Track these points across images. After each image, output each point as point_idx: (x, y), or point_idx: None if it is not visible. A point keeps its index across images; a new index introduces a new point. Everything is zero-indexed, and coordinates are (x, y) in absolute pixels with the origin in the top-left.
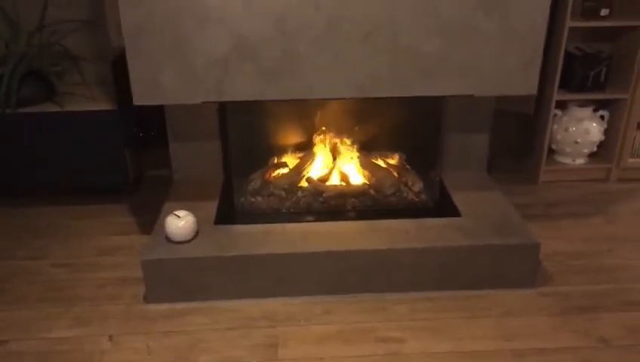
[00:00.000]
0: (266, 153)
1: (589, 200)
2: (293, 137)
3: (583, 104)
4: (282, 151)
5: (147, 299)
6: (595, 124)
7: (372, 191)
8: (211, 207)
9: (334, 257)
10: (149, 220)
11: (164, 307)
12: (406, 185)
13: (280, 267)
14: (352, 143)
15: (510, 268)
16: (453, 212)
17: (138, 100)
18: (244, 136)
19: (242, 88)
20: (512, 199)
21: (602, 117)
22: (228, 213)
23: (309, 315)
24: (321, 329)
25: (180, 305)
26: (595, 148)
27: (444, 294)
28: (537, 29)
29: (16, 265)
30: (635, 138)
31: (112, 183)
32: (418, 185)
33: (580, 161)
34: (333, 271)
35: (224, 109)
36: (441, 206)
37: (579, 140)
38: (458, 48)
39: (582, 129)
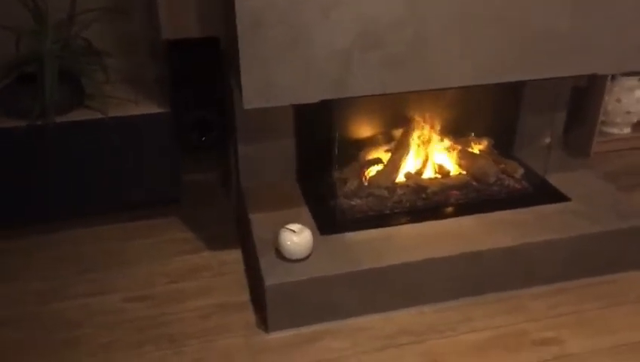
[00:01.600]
0: (346, 149)
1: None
2: (375, 129)
3: (626, 73)
4: (366, 145)
5: (268, 328)
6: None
7: (474, 182)
8: (303, 214)
9: (465, 259)
10: (213, 234)
11: (289, 334)
12: (504, 171)
13: (411, 275)
14: (442, 131)
15: (635, 249)
16: (561, 196)
17: (249, 103)
18: (322, 132)
19: (364, 82)
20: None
21: None
22: (328, 221)
23: (451, 324)
24: (472, 338)
25: (305, 330)
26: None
27: (575, 283)
28: None
29: (80, 304)
30: None
31: (164, 195)
32: (520, 172)
33: (626, 131)
34: (461, 273)
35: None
36: (543, 191)
37: (631, 110)
38: (587, 26)
39: (633, 99)
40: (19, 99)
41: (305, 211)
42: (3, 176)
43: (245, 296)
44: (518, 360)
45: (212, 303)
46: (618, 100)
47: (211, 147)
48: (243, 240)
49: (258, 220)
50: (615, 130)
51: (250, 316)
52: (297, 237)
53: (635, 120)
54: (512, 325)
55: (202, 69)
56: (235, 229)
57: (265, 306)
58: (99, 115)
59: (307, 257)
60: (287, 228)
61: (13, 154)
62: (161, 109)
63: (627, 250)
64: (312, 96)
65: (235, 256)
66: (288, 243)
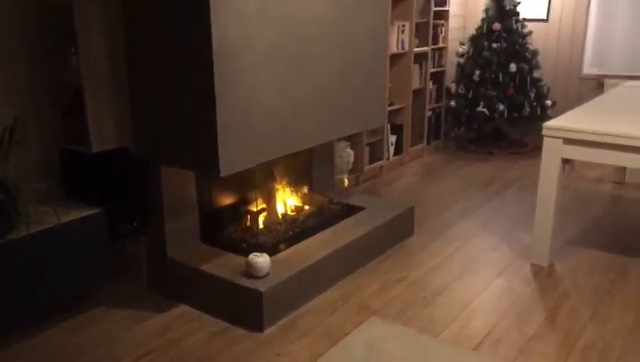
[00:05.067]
0: (234, 208)
1: (365, 192)
2: (239, 194)
3: (339, 139)
4: (246, 202)
5: (263, 327)
6: (349, 150)
7: (317, 211)
8: (229, 256)
9: (342, 250)
10: (150, 304)
11: (277, 326)
12: (328, 201)
13: (323, 266)
14: (285, 184)
15: (405, 222)
16: (360, 208)
17: (224, 172)
18: (218, 201)
19: (274, 150)
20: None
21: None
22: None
23: (356, 286)
24: (372, 288)
25: (284, 320)
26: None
27: (391, 250)
28: (384, 87)
29: None
30: (368, 154)
31: (101, 283)
32: (336, 200)
33: (345, 175)
34: (344, 258)
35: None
36: (350, 208)
37: (348, 161)
38: (357, 103)
39: (348, 155)
40: None
41: (230, 254)
42: None
43: (223, 324)
44: (400, 288)
45: (204, 335)
46: (341, 156)
47: (139, 233)
48: (183, 296)
49: (210, 269)
50: (340, 175)
51: (239, 330)
52: (262, 259)
53: (350, 167)
54: (381, 277)
55: (114, 173)
56: (161, 297)
57: (260, 311)
58: (51, 224)
59: (268, 273)
60: (254, 255)
61: None
62: (93, 210)
63: (402, 226)
64: (252, 163)
65: (184, 309)
66: (258, 264)
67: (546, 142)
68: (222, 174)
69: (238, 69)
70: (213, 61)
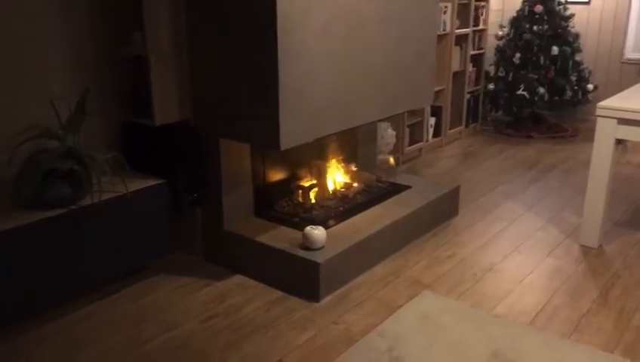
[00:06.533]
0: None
1: (407, 174)
2: (290, 169)
3: (380, 120)
4: (297, 178)
5: (319, 297)
6: (390, 130)
7: (365, 188)
8: (282, 229)
9: (392, 226)
10: (205, 273)
11: (331, 296)
12: (376, 179)
13: (375, 241)
14: (335, 161)
15: (451, 202)
16: (407, 187)
17: (284, 146)
18: (272, 175)
19: (331, 126)
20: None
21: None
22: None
23: (405, 262)
24: (421, 265)
25: (338, 291)
26: (392, 146)
27: (436, 229)
28: (433, 66)
29: (169, 337)
30: (408, 135)
31: (162, 251)
32: (384, 178)
33: (386, 156)
34: (393, 234)
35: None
36: (397, 186)
37: (389, 142)
38: (408, 82)
39: (390, 135)
40: (58, 191)
41: (283, 228)
42: (41, 262)
43: (279, 293)
44: (449, 264)
45: (261, 304)
46: (382, 137)
47: (198, 204)
48: (239, 266)
49: (266, 240)
50: (381, 156)
51: (295, 299)
52: (319, 231)
53: (391, 148)
54: (430, 254)
55: (175, 146)
56: (217, 266)
57: (317, 281)
58: (120, 193)
59: (323, 246)
60: (311, 228)
61: (49, 240)
62: (157, 181)
63: (447, 205)
64: (311, 137)
65: (240, 278)
66: (314, 236)
67: (600, 122)
68: (282, 148)
69: (297, 43)
70: (277, 35)
